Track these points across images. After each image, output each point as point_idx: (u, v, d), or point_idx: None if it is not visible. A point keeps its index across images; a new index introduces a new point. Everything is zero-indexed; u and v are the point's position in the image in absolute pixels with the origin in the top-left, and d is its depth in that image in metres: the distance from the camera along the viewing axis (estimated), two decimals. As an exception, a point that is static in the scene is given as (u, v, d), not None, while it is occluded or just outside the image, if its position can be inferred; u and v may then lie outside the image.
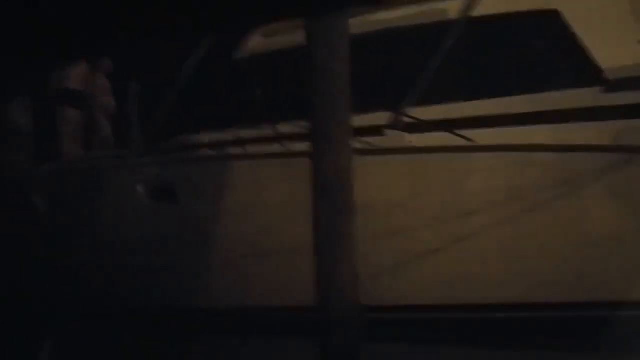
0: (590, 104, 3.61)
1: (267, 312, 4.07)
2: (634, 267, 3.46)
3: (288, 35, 4.23)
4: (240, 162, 4.31)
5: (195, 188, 4.38)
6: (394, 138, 3.90)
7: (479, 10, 3.81)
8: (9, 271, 4.72)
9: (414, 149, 3.86)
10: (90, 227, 4.74)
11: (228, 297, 4.21)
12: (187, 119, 4.70)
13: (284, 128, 4.20)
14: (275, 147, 4.20)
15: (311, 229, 3.03)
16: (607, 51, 3.64)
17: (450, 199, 3.74)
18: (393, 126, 3.90)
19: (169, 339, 4.29)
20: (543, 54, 3.83)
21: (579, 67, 3.70)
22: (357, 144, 3.40)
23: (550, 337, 3.55)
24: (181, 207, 4.38)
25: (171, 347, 4.23)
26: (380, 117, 3.92)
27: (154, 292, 4.38)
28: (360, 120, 3.34)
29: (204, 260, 4.31)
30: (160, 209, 4.45)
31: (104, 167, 4.85)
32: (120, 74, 6.10)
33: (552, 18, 3.71)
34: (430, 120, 3.83)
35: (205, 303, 4.30)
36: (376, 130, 3.90)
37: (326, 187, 3.01)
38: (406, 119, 3.89)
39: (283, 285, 3.97)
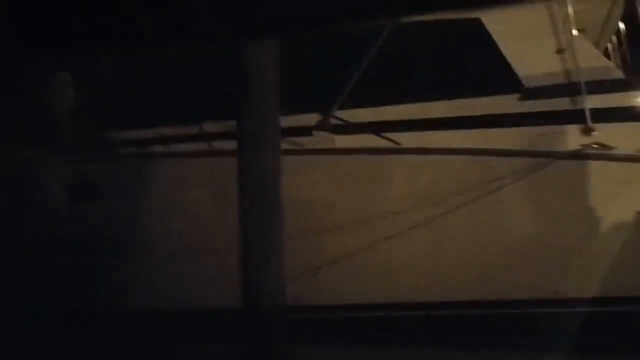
0: (508, 111, 3.78)
1: (191, 314, 4.00)
2: (547, 265, 3.65)
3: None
4: (164, 160, 4.22)
5: (117, 186, 4.25)
6: (321, 139, 3.95)
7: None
8: None
9: (340, 149, 3.92)
10: (9, 225, 4.51)
11: (150, 298, 4.11)
12: (112, 116, 4.54)
13: (211, 127, 4.14)
14: (201, 146, 4.14)
15: (238, 229, 3.01)
16: (525, 60, 3.81)
17: (375, 199, 3.82)
18: (321, 127, 3.95)
19: (88, 342, 4.14)
20: (465, 61, 3.96)
21: (497, 75, 3.85)
22: (285, 144, 3.41)
23: (471, 334, 3.68)
24: (102, 205, 4.24)
25: (92, 350, 4.08)
26: (308, 118, 3.96)
27: (74, 293, 4.22)
28: (289, 120, 3.35)
29: (125, 261, 4.19)
30: (81, 207, 4.29)
31: (23, 164, 4.63)
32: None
33: (474, 26, 3.85)
34: (357, 122, 3.90)
35: (125, 305, 4.18)
36: (304, 131, 3.93)
37: (254, 186, 2.99)
38: (334, 121, 3.95)
39: (208, 287, 3.92)
